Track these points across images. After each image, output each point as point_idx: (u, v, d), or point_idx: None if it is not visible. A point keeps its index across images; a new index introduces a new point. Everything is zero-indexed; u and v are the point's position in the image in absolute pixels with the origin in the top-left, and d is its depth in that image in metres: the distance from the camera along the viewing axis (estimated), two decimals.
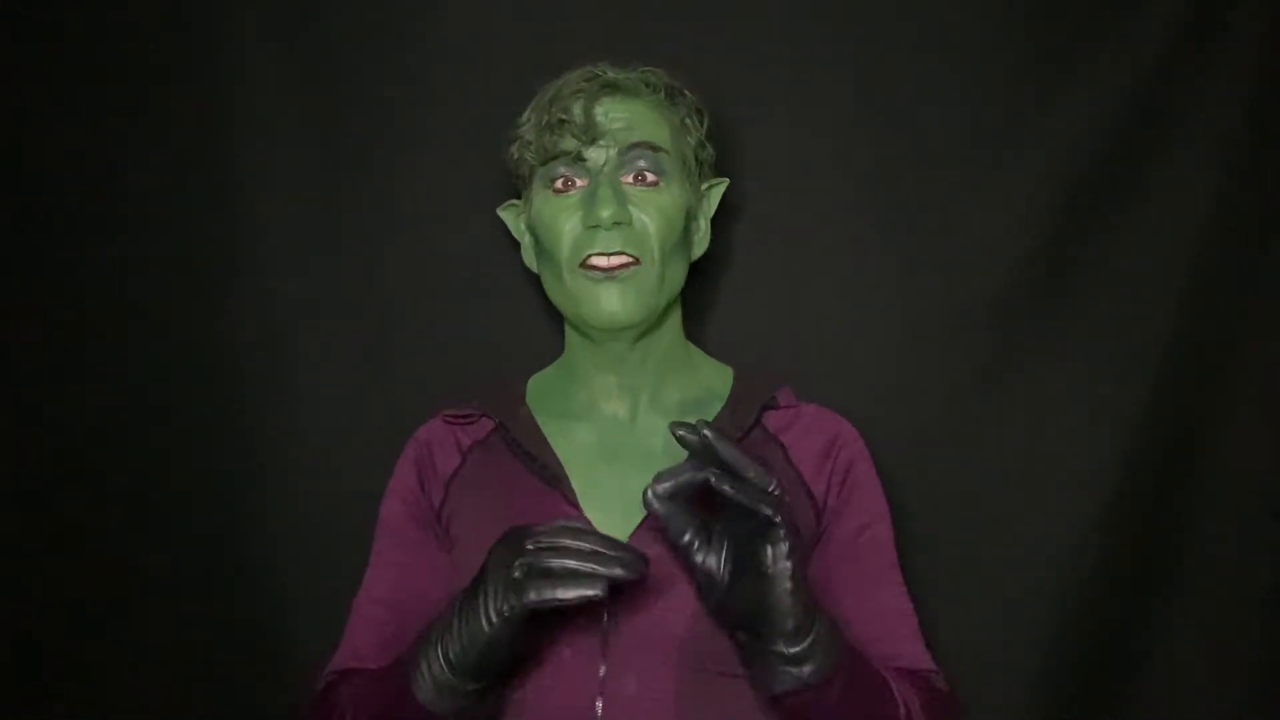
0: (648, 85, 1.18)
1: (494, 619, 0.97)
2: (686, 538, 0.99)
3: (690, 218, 1.20)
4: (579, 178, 1.15)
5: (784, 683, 0.99)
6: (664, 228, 1.15)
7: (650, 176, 1.15)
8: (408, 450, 1.23)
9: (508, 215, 1.27)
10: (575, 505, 1.14)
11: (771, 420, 1.20)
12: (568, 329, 1.23)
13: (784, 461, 1.18)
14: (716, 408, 1.20)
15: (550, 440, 1.18)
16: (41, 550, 1.45)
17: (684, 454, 1.15)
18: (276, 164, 1.43)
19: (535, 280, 1.25)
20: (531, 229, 1.21)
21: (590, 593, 0.93)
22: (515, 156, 1.20)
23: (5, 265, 1.47)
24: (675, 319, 1.23)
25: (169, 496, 1.44)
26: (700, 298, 1.37)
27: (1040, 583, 1.38)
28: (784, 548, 0.95)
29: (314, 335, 1.44)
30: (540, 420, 1.20)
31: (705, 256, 1.26)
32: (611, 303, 1.13)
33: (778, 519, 0.94)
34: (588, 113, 1.14)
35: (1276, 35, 1.38)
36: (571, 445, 1.18)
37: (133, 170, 1.45)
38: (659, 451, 1.17)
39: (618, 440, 1.19)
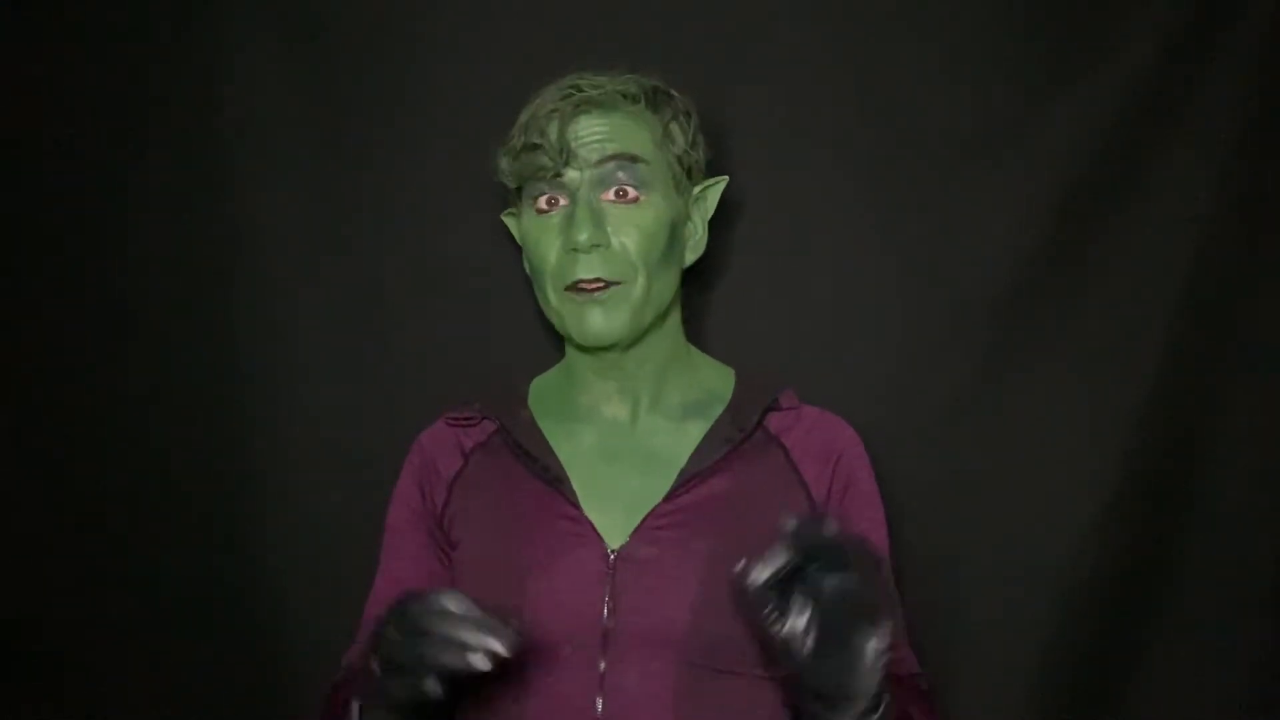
0: (625, 97, 1.17)
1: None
2: (765, 610, 0.93)
3: (676, 227, 1.19)
4: (561, 196, 1.16)
5: None
6: (644, 245, 1.15)
7: (631, 192, 1.15)
8: (411, 456, 1.24)
9: (510, 222, 1.27)
10: (576, 506, 1.14)
11: (773, 422, 1.20)
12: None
13: (785, 463, 1.18)
14: (718, 409, 1.20)
15: (552, 442, 1.18)
16: (41, 550, 1.45)
17: (685, 455, 1.15)
18: (277, 164, 1.44)
19: None
20: (523, 242, 1.21)
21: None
22: (501, 176, 1.20)
23: (4, 265, 1.47)
24: (674, 322, 1.23)
25: (169, 496, 1.44)
26: (701, 297, 1.37)
27: (1040, 583, 1.38)
28: (884, 639, 0.92)
29: (314, 335, 1.44)
30: (542, 422, 1.20)
31: (706, 256, 1.25)
32: (596, 323, 1.14)
33: (879, 604, 0.92)
34: (562, 134, 1.14)
35: (1277, 35, 1.38)
36: (573, 447, 1.18)
37: (132, 170, 1.45)
38: (660, 453, 1.17)
39: (619, 442, 1.19)
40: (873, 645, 0.91)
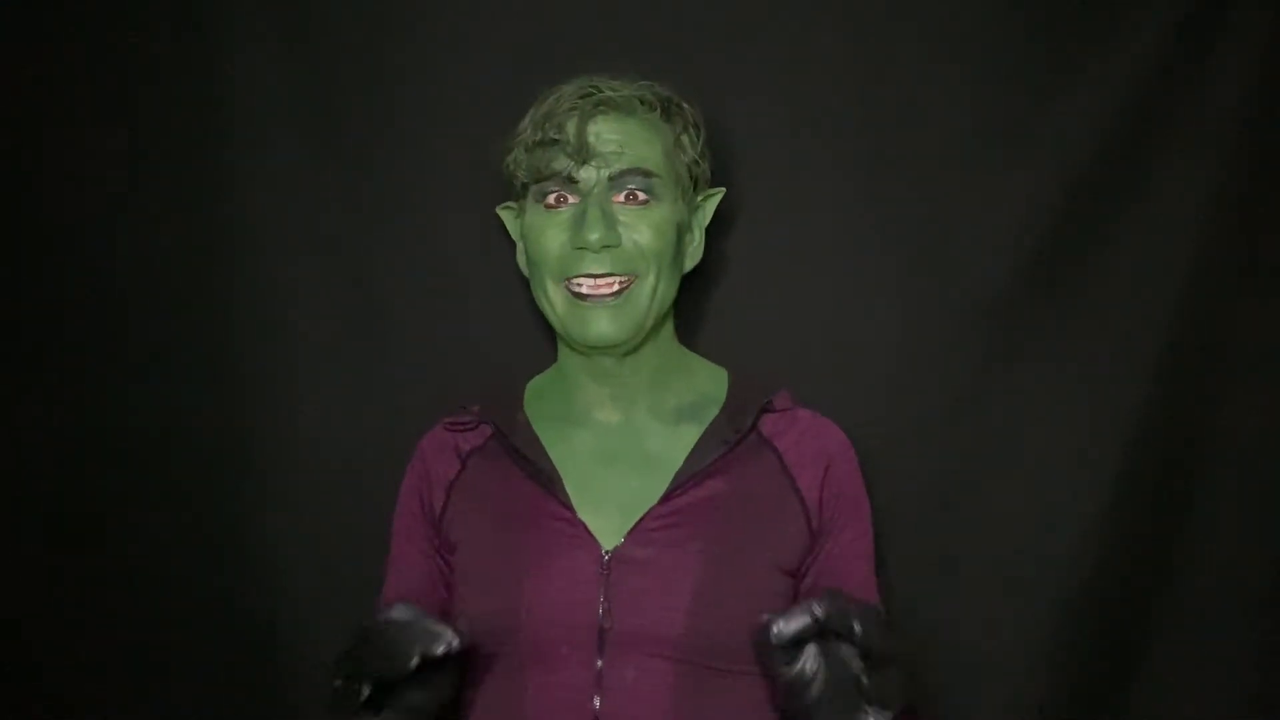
0: (643, 103, 1.18)
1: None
2: (780, 658, 0.97)
3: (681, 233, 1.20)
4: (571, 195, 1.16)
5: None
6: (658, 241, 1.15)
7: (641, 196, 1.16)
8: (413, 462, 1.26)
9: (506, 215, 1.28)
10: (570, 509, 1.15)
11: (767, 425, 1.21)
12: (559, 338, 1.23)
13: (778, 467, 1.18)
14: (713, 411, 1.20)
15: (547, 445, 1.19)
16: (41, 550, 1.45)
17: (680, 457, 1.15)
18: (277, 164, 1.43)
19: None
20: (523, 237, 1.22)
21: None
22: (510, 169, 1.20)
23: (4, 265, 1.47)
24: (667, 328, 1.23)
25: (169, 496, 1.44)
26: (698, 297, 1.37)
27: (1040, 583, 1.37)
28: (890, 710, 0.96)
29: (314, 335, 1.44)
30: (537, 425, 1.20)
31: (706, 254, 1.26)
32: (601, 325, 1.14)
33: (890, 694, 0.96)
34: (580, 133, 1.14)
35: (1276, 35, 1.37)
36: (568, 449, 1.19)
37: (131, 170, 1.45)
38: (656, 455, 1.18)
39: (614, 444, 1.20)
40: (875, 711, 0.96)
